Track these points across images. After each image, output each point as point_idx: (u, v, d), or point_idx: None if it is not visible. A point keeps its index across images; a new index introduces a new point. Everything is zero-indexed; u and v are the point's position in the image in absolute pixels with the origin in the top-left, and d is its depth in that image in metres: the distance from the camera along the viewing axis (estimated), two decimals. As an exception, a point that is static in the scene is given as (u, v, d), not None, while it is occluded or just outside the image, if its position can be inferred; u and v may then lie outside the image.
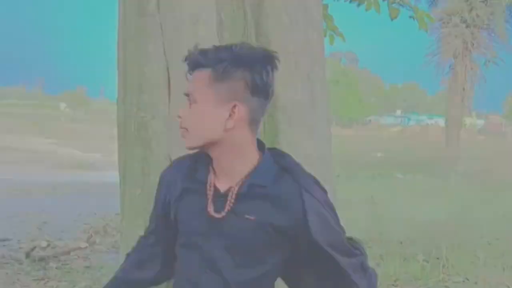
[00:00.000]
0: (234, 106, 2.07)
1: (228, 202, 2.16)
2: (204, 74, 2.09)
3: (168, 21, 3.29)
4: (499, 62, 28.24)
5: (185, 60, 2.15)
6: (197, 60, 2.11)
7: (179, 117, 2.16)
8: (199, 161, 2.25)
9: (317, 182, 2.25)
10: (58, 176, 19.56)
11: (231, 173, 2.17)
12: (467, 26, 27.93)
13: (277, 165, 2.21)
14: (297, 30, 3.61)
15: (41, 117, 59.41)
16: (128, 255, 2.56)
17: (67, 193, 15.71)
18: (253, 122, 2.15)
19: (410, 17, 7.49)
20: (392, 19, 7.28)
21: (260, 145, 2.23)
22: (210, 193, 2.19)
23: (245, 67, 2.07)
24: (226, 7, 3.44)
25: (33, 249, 8.46)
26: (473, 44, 28.10)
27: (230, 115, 2.08)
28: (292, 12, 3.59)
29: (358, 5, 7.35)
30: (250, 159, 2.18)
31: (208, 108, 2.09)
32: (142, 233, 3.34)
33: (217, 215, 2.16)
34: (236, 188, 2.16)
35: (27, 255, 8.20)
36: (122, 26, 3.50)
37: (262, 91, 2.11)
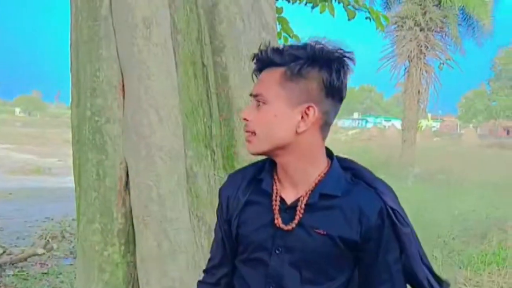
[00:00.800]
0: (308, 108, 1.94)
1: (298, 213, 2.01)
2: (276, 73, 1.96)
3: (121, 24, 3.27)
4: (453, 65, 28.66)
5: (255, 58, 2.02)
6: (270, 58, 1.97)
7: (245, 119, 2.01)
8: (263, 172, 2.11)
9: (390, 189, 2.09)
10: (13, 182, 19.29)
11: (299, 181, 2.03)
12: (421, 30, 28.23)
13: (347, 173, 2.08)
14: (251, 34, 3.64)
15: (-4, 122, 58.45)
16: None
17: (22, 198, 15.49)
18: (325, 126, 2.02)
19: (367, 18, 7.54)
20: (349, 20, 7.32)
21: (328, 151, 2.10)
22: (276, 204, 2.04)
23: (322, 66, 1.93)
24: (180, 10, 3.44)
25: (-12, 256, 8.35)
26: (427, 47, 28.41)
27: (302, 118, 1.95)
28: (246, 16, 3.62)
29: (313, 7, 7.37)
30: (319, 166, 2.04)
31: (279, 109, 1.95)
32: (98, 237, 3.35)
33: (286, 227, 2.01)
34: (305, 198, 2.01)
35: (-18, 262, 8.08)
36: (75, 29, 3.46)
37: (337, 92, 1.97)
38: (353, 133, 67.64)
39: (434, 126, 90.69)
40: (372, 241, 2.00)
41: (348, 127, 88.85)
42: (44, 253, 8.98)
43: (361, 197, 2.01)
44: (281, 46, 1.99)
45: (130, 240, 3.35)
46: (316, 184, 2.02)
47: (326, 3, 7.16)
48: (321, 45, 1.96)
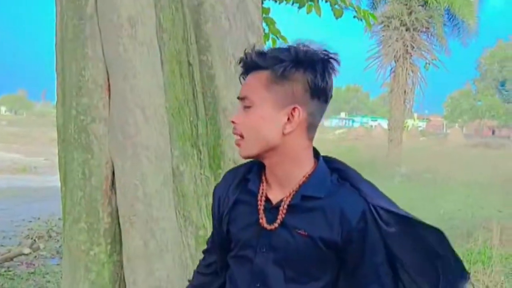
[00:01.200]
0: (294, 109, 1.96)
1: (280, 213, 2.04)
2: (261, 75, 1.97)
3: (106, 23, 3.26)
4: (438, 65, 28.75)
5: (240, 62, 2.03)
6: (255, 61, 1.99)
7: (233, 122, 2.04)
8: (252, 171, 2.15)
9: (377, 190, 2.12)
10: (-1, 181, 19.19)
11: (285, 182, 2.06)
12: (407, 30, 28.31)
13: (334, 174, 2.10)
14: (237, 34, 3.65)
15: (-19, 122, 58.11)
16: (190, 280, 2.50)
17: (9, 197, 15.41)
18: (311, 127, 2.04)
19: (354, 17, 7.55)
20: (336, 19, 7.32)
21: (315, 152, 2.12)
22: (261, 204, 2.08)
23: (306, 68, 1.95)
24: (165, 9, 3.44)
25: (-26, 256, 8.30)
26: (413, 47, 28.49)
27: (288, 119, 1.97)
28: (231, 15, 3.62)
29: (299, 7, 7.37)
30: (305, 167, 2.06)
31: (266, 111, 1.97)
32: (84, 237, 3.36)
33: (269, 227, 2.05)
34: (288, 199, 2.04)
35: (-32, 262, 8.04)
36: (60, 28, 3.46)
37: (322, 93, 1.99)
38: (340, 133, 67.73)
39: (420, 126, 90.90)
40: (354, 243, 2.01)
41: (334, 127, 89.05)
42: (30, 253, 8.94)
43: (344, 199, 2.02)
44: (265, 49, 2.02)
45: (116, 239, 3.35)
46: (299, 186, 2.04)
47: (313, 3, 7.16)
48: (305, 47, 1.98)
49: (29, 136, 44.77)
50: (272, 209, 2.06)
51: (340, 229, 1.99)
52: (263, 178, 2.12)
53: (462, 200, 15.50)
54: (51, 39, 3.61)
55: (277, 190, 2.08)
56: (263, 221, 2.06)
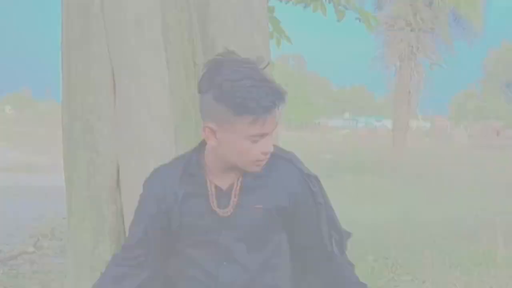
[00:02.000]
0: None
1: (233, 197, 2.31)
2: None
3: (112, 22, 3.27)
4: (443, 65, 28.77)
5: (268, 105, 2.16)
6: (283, 101, 2.20)
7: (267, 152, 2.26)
8: (191, 165, 2.35)
9: (298, 157, 2.44)
10: (4, 180, 19.17)
11: (231, 170, 2.30)
12: (412, 30, 28.32)
13: None
14: (243, 34, 3.64)
15: (-14, 120, 58.14)
16: (104, 272, 2.54)
17: (13, 196, 15.42)
18: None
19: (356, 18, 7.59)
20: (338, 21, 7.36)
21: None
22: (212, 192, 2.32)
23: None
24: (171, 8, 3.44)
25: (-23, 254, 8.30)
26: (418, 48, 28.50)
27: None
28: (237, 16, 3.61)
29: (305, 7, 7.39)
30: None
31: None
32: (88, 235, 3.35)
33: (223, 212, 2.30)
34: (239, 183, 2.31)
35: (-28, 260, 8.04)
36: (66, 26, 3.46)
37: None
38: (344, 133, 67.73)
39: (424, 127, 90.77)
40: (302, 204, 2.37)
41: (339, 127, 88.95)
42: (34, 252, 8.95)
43: (283, 171, 2.36)
44: (274, 87, 2.20)
45: (121, 238, 3.35)
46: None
47: (318, 2, 7.17)
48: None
49: (34, 134, 44.78)
50: (224, 195, 2.31)
51: (287, 196, 2.34)
52: (206, 168, 2.33)
53: (467, 202, 15.48)
54: (55, 37, 3.62)
55: (225, 176, 2.32)
56: (216, 208, 2.30)
